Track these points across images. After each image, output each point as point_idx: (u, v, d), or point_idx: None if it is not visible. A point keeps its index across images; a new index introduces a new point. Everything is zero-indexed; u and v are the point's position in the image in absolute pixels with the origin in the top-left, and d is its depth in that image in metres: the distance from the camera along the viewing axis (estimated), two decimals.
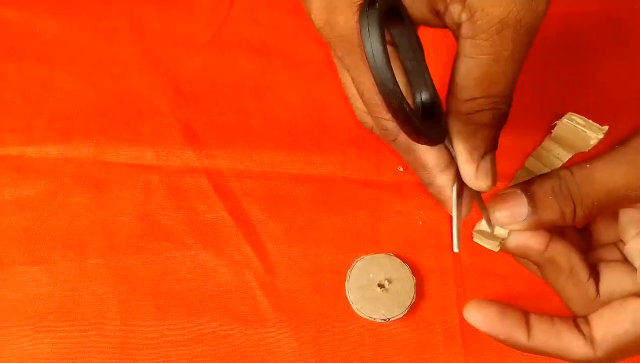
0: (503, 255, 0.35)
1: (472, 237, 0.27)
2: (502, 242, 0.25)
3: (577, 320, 0.25)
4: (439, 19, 0.22)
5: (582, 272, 0.25)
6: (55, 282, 0.34)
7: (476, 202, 0.26)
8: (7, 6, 0.41)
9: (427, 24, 0.23)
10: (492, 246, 0.26)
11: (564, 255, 0.25)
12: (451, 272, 0.35)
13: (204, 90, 0.39)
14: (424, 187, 0.36)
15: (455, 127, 0.23)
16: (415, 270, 0.34)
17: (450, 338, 0.33)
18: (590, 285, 0.25)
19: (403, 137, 0.23)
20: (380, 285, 0.34)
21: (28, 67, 0.39)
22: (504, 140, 0.38)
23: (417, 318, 0.34)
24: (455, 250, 0.24)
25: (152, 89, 0.39)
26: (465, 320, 0.33)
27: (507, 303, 0.26)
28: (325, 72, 0.40)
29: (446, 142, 0.24)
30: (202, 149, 0.37)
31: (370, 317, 0.33)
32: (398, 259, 0.35)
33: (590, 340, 0.24)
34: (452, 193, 0.24)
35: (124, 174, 0.36)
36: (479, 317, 0.25)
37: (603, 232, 0.28)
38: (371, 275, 0.34)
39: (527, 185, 0.24)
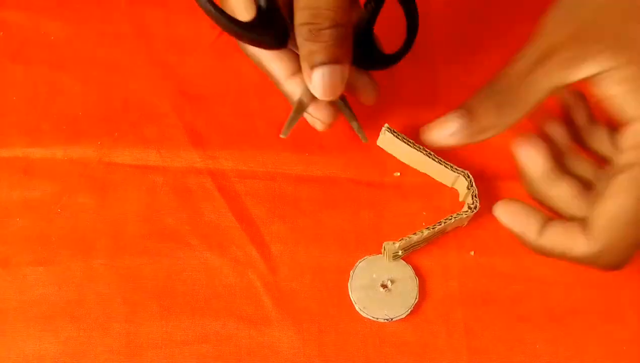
0: (507, 257, 0.35)
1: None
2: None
3: (581, 223, 0.25)
4: None
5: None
6: (61, 283, 0.34)
7: (344, 114, 0.32)
8: (13, 9, 0.41)
9: None
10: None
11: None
12: (455, 272, 0.35)
13: (207, 92, 0.39)
14: (427, 188, 0.37)
15: (295, 35, 0.27)
16: (418, 271, 0.35)
17: (454, 339, 0.33)
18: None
19: (249, 49, 0.25)
20: (383, 286, 0.34)
21: (34, 70, 0.39)
22: (509, 139, 0.39)
23: (420, 318, 0.34)
24: (283, 136, 0.30)
25: (156, 91, 0.39)
26: (469, 320, 0.34)
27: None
28: None
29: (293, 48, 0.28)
30: (206, 150, 0.38)
31: (373, 317, 0.33)
32: (401, 260, 0.35)
33: (591, 234, 0.24)
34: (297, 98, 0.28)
35: (128, 175, 0.37)
36: (505, 210, 0.26)
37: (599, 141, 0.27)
38: (374, 276, 0.34)
39: (465, 102, 0.26)
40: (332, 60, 0.27)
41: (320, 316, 0.34)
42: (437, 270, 0.35)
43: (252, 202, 0.36)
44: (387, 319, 0.33)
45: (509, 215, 0.26)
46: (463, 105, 0.26)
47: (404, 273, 0.34)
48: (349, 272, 0.34)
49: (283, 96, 0.39)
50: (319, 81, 0.28)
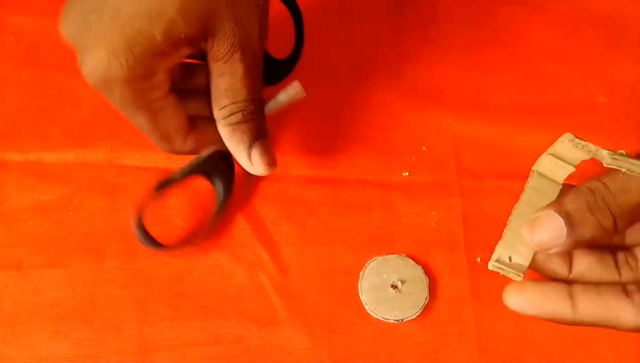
0: None
1: (488, 267, 0.26)
2: (524, 271, 0.25)
3: (626, 287, 0.24)
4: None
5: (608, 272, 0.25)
6: (73, 285, 0.34)
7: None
8: (23, 13, 0.41)
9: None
10: (514, 276, 0.25)
11: (587, 269, 0.25)
12: (465, 272, 0.35)
13: None
14: (436, 188, 0.37)
15: (220, 131, 0.31)
16: (428, 271, 0.35)
17: (465, 339, 0.33)
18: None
19: None
20: (394, 286, 0.34)
21: (43, 74, 0.40)
22: (519, 138, 0.39)
23: (430, 319, 0.34)
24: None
25: None
26: (480, 320, 0.34)
27: (544, 280, 0.25)
28: (334, 75, 0.40)
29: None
30: None
31: (384, 318, 0.33)
32: (411, 260, 0.35)
33: None
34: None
35: (139, 177, 0.37)
36: (520, 300, 0.25)
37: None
38: (384, 276, 0.34)
39: (558, 205, 0.24)
40: (260, 136, 0.31)
41: (331, 317, 0.34)
42: (447, 270, 0.35)
43: (261, 204, 0.36)
44: (397, 320, 0.33)
45: (529, 304, 0.24)
46: (560, 210, 0.24)
47: (414, 273, 0.34)
48: (359, 272, 0.34)
49: None
50: (261, 155, 0.31)
